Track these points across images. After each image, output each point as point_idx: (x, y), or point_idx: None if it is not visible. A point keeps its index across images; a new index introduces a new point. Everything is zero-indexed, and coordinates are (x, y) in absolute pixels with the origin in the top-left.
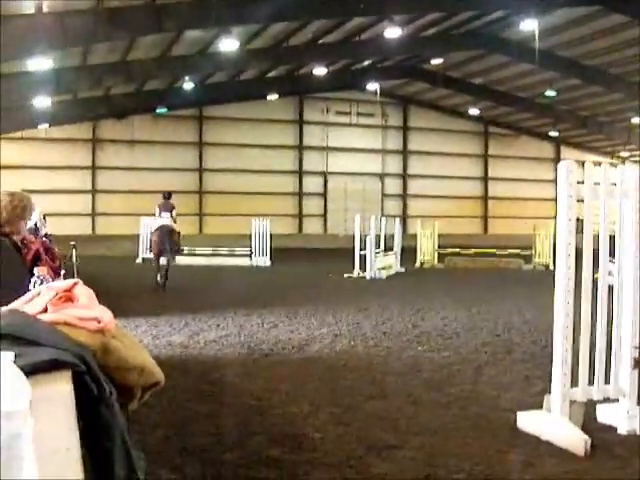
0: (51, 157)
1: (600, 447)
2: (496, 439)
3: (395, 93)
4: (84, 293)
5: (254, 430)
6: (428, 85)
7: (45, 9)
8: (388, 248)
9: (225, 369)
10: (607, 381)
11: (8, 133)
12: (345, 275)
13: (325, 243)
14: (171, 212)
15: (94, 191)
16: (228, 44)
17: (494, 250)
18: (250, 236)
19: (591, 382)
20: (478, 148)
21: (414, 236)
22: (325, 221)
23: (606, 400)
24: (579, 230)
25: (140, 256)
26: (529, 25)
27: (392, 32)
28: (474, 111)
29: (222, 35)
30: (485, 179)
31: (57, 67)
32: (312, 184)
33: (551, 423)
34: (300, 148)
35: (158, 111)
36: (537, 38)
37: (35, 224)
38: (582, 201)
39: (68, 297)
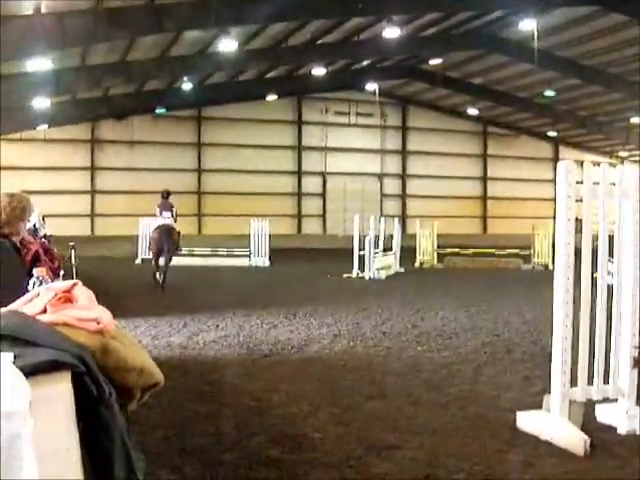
0: (50, 158)
1: (599, 447)
2: (496, 439)
3: (394, 93)
4: (83, 294)
5: (254, 430)
6: (427, 85)
7: (44, 9)
8: (387, 248)
9: (224, 369)
10: (606, 381)
11: (7, 134)
12: (344, 275)
13: (324, 243)
14: (171, 211)
15: (93, 192)
16: (227, 44)
17: (493, 250)
18: (249, 236)
19: (590, 382)
20: (477, 148)
21: (413, 236)
22: (324, 221)
23: (605, 400)
24: (578, 230)
25: (139, 257)
26: (528, 25)
27: (391, 32)
28: (473, 111)
29: (221, 35)
30: (484, 179)
31: (56, 68)
32: (311, 184)
33: (550, 423)
34: (299, 148)
35: (157, 112)
36: (536, 38)
37: (34, 225)
38: (581, 201)
39: (67, 298)
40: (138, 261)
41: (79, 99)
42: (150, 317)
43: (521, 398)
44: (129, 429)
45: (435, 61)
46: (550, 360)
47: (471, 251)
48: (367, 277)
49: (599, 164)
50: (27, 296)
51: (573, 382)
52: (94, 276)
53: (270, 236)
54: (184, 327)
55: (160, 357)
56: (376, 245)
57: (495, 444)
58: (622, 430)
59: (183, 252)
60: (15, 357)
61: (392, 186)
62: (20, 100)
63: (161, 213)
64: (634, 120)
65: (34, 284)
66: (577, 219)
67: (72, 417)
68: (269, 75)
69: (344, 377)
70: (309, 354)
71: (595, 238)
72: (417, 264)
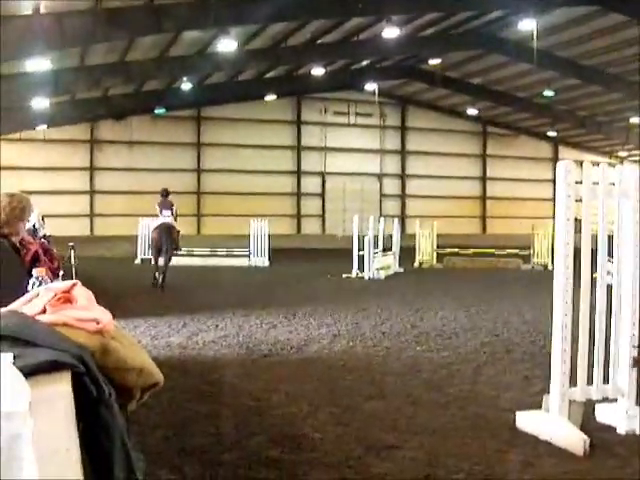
0: (50, 158)
1: (599, 447)
2: (495, 439)
3: (393, 93)
4: (83, 294)
5: (253, 430)
6: (426, 85)
7: (43, 9)
8: (387, 248)
9: (224, 370)
10: (606, 381)
11: (7, 134)
12: (344, 275)
13: (323, 243)
14: (171, 209)
15: (92, 192)
16: (226, 44)
17: (493, 250)
18: (248, 236)
19: (590, 382)
20: (476, 148)
21: (413, 236)
22: (323, 221)
23: (605, 400)
24: (577, 230)
25: (139, 257)
26: (527, 25)
27: (390, 32)
28: (472, 111)
29: (220, 35)
30: (483, 179)
31: (55, 68)
32: (310, 184)
33: (550, 423)
34: (298, 148)
35: (156, 112)
36: (535, 38)
37: (34, 225)
38: (580, 201)
39: (67, 298)
40: (137, 261)
41: (78, 99)
42: (149, 317)
43: (521, 398)
44: (129, 429)
45: (434, 61)
46: (549, 360)
47: (470, 251)
48: (366, 277)
49: (598, 164)
50: (27, 296)
51: (572, 382)
52: (93, 276)
53: (269, 236)
54: (183, 327)
55: (159, 357)
56: (375, 245)
57: (495, 444)
58: (622, 430)
59: (182, 252)
60: (15, 357)
61: (391, 186)
62: (19, 100)
63: (161, 212)
64: (633, 120)
65: (33, 284)
66: (576, 219)
67: (72, 417)
68: (268, 75)
69: (343, 377)
70: (308, 354)
71: (594, 238)
72: (416, 264)
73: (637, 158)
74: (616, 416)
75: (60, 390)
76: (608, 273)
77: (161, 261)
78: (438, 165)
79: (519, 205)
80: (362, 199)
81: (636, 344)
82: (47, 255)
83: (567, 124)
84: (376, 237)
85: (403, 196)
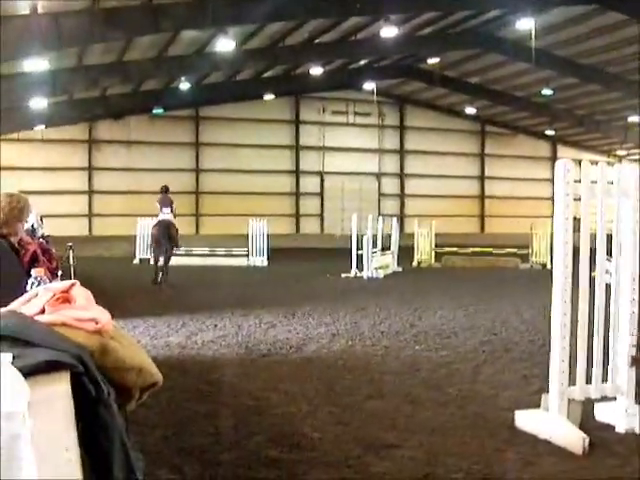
0: (48, 158)
1: (598, 445)
2: (494, 438)
3: (392, 92)
4: (82, 294)
5: (253, 430)
6: (424, 84)
7: (40, 10)
8: (385, 247)
9: (223, 369)
10: (605, 379)
11: (5, 134)
12: (342, 275)
13: (322, 243)
14: (171, 206)
15: (91, 192)
16: (224, 44)
17: (491, 249)
18: (247, 236)
19: (589, 380)
20: (475, 147)
21: (411, 235)
22: (322, 221)
23: (604, 398)
24: (576, 229)
25: (137, 257)
26: (525, 24)
27: (388, 31)
28: (471, 110)
29: (218, 35)
30: (482, 178)
31: (53, 68)
32: (309, 184)
33: (549, 422)
34: (297, 148)
35: (154, 112)
36: (533, 37)
37: (32, 225)
38: (579, 200)
39: (65, 298)
40: (136, 261)
41: (76, 99)
42: (148, 317)
43: (520, 397)
44: (128, 429)
45: (432, 60)
46: (548, 359)
47: (469, 250)
48: (365, 276)
49: (597, 163)
50: (25, 296)
51: (571, 381)
52: (92, 276)
53: (268, 236)
54: (182, 327)
55: (159, 357)
56: (374, 244)
57: (494, 443)
58: (621, 429)
59: (181, 252)
60: (14, 357)
61: (390, 185)
62: (18, 100)
63: (161, 209)
64: (632, 119)
65: (32, 284)
66: (575, 218)
67: (71, 417)
68: (266, 75)
69: (343, 376)
70: (308, 353)
71: (593, 237)
72: (415, 263)
73: (636, 157)
74: (615, 415)
75: (59, 390)
76: (607, 272)
77: (161, 260)
78: (436, 164)
79: (517, 204)
80: (361, 198)
81: (635, 343)
82: (46, 255)
83: (565, 123)
84: (375, 236)
85: (402, 195)
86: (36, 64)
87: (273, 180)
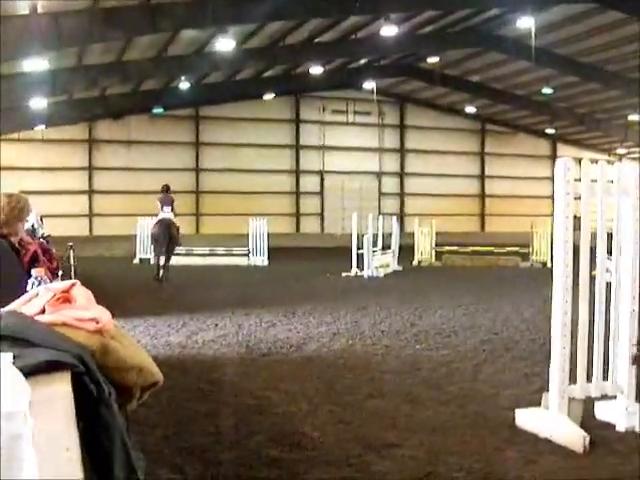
0: (48, 158)
1: (599, 444)
2: (495, 437)
3: (392, 91)
4: (82, 294)
5: (253, 429)
6: (425, 83)
7: (40, 9)
8: (386, 247)
9: (224, 368)
10: (605, 378)
11: (5, 134)
12: (343, 274)
13: (322, 242)
14: (172, 205)
15: (91, 192)
16: (224, 44)
17: (492, 248)
18: (247, 236)
19: (589, 379)
20: (475, 146)
21: (412, 234)
22: (322, 220)
23: (604, 397)
24: (576, 227)
25: (137, 257)
26: (525, 22)
27: (388, 30)
28: (471, 109)
29: (218, 35)
30: (482, 177)
31: (53, 68)
32: (309, 183)
33: (549, 420)
34: (297, 147)
35: (154, 111)
36: (534, 35)
37: (32, 225)
38: (579, 198)
39: (66, 298)
40: (136, 261)
41: (76, 99)
42: (149, 316)
43: (520, 396)
44: (129, 428)
45: (432, 59)
46: (549, 358)
47: (469, 249)
48: (365, 276)
49: (597, 161)
50: (26, 296)
51: (572, 379)
52: (92, 276)
53: (268, 235)
54: (183, 326)
55: (159, 356)
56: (374, 244)
57: (494, 442)
58: (621, 427)
59: (182, 252)
60: (14, 357)
61: (390, 184)
62: (17, 100)
63: (162, 207)
64: (632, 117)
65: (33, 284)
66: (575, 217)
67: (72, 417)
68: (266, 74)
69: (343, 376)
70: (308, 353)
71: (593, 236)
72: (415, 262)
73: (636, 155)
74: (615, 413)
75: (60, 390)
76: (607, 271)
77: (162, 259)
78: (437, 163)
79: (518, 203)
80: (361, 197)
81: (635, 342)
82: (46, 255)
83: (566, 122)
84: (375, 235)
85: (402, 194)
86: (36, 64)
87: (273, 179)
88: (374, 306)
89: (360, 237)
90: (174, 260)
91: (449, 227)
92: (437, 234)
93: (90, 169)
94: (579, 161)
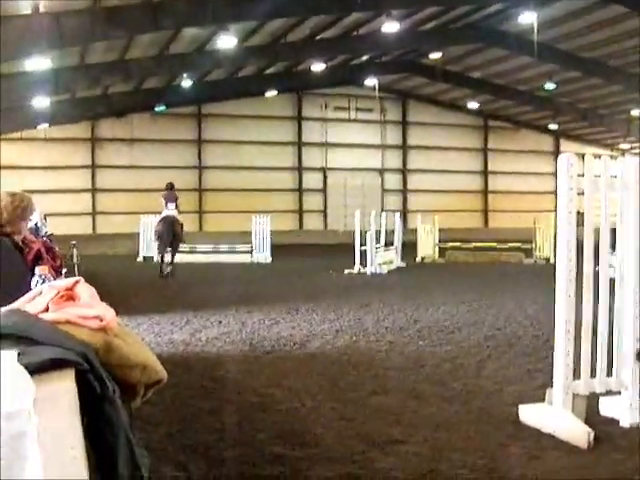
0: (51, 157)
1: (603, 440)
2: (499, 433)
3: (394, 88)
4: (86, 291)
5: (257, 426)
6: (427, 79)
7: (42, 9)
8: (388, 243)
9: (227, 366)
10: (609, 374)
11: (8, 134)
12: (346, 271)
13: (325, 239)
14: (176, 202)
15: (94, 190)
16: (226, 41)
17: (495, 244)
18: (250, 233)
19: (593, 375)
20: (478, 142)
21: (414, 231)
22: (325, 217)
23: (608, 393)
24: (580, 223)
25: (141, 254)
26: (528, 18)
27: (390, 27)
28: (473, 105)
29: (220, 32)
30: (485, 173)
31: (55, 67)
32: (312, 180)
33: (553, 416)
34: (299, 144)
35: (157, 109)
36: (536, 31)
37: (36, 224)
38: (582, 194)
39: (70, 296)
40: (139, 259)
41: (78, 98)
42: (152, 314)
43: (524, 391)
44: (133, 426)
45: (434, 55)
46: (552, 353)
47: (472, 245)
48: (368, 272)
49: (600, 157)
50: (30, 294)
51: (576, 375)
52: (96, 274)
53: (271, 232)
54: (186, 324)
55: (163, 354)
56: (377, 240)
57: (498, 438)
58: (625, 423)
59: (185, 249)
60: (18, 355)
61: (393, 181)
62: (20, 99)
63: (166, 204)
64: (635, 112)
65: (36, 282)
66: (578, 212)
67: (76, 414)
68: (268, 71)
69: (347, 372)
70: (311, 350)
71: (597, 231)
72: (418, 259)
73: (639, 150)
74: (620, 409)
75: (64, 387)
76: (611, 266)
77: (167, 257)
78: (439, 159)
79: (521, 199)
80: (363, 194)
81: (639, 337)
82: (49, 253)
83: (568, 117)
84: (378, 232)
85: (404, 191)
86: (38, 63)
87: (276, 177)
88: (377, 303)
89: (363, 234)
90: (177, 257)
91: (452, 223)
92: (440, 230)
93: (93, 167)
94: (582, 156)
